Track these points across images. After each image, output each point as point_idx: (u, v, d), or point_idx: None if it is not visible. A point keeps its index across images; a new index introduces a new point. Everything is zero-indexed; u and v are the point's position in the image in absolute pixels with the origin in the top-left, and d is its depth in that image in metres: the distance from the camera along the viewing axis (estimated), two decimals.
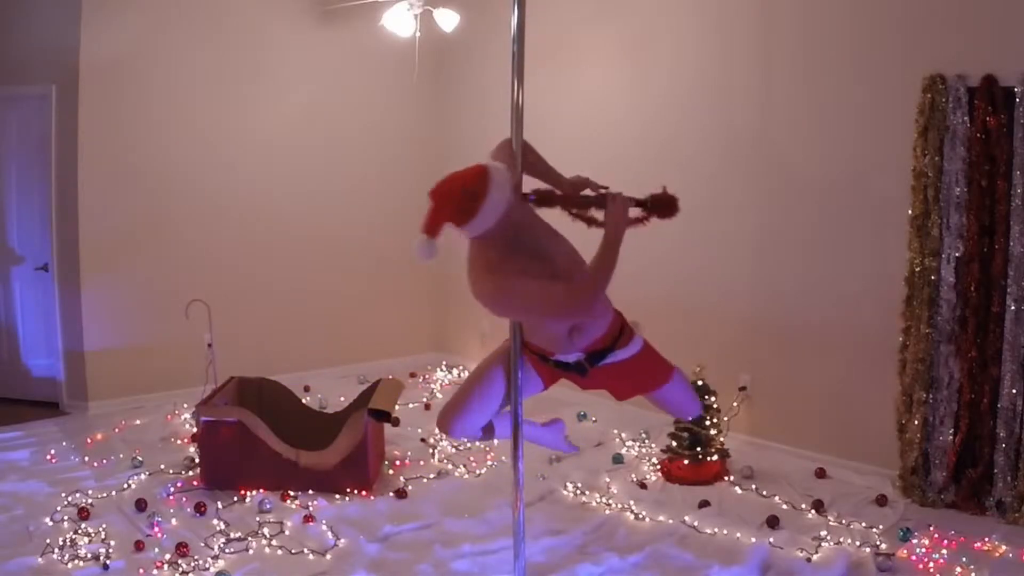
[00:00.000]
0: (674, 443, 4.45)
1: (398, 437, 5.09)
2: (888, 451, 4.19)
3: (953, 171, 3.89)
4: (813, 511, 3.92)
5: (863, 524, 3.76)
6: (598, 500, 4.10)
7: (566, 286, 2.54)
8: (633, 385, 2.94)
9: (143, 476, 4.44)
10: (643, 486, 4.30)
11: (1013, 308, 3.77)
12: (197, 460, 4.47)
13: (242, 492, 4.17)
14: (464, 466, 4.59)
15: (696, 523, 3.79)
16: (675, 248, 5.30)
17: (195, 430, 4.84)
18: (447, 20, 5.89)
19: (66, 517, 3.87)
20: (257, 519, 3.87)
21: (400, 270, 7.07)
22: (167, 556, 3.47)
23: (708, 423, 4.40)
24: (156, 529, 3.73)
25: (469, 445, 4.95)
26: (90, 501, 4.06)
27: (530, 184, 2.75)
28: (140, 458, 4.63)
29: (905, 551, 3.46)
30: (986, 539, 3.54)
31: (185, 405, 5.58)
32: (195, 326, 5.68)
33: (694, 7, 5.14)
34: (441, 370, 6.76)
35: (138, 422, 5.41)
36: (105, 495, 4.17)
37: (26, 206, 5.84)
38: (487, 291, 2.52)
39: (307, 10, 6.42)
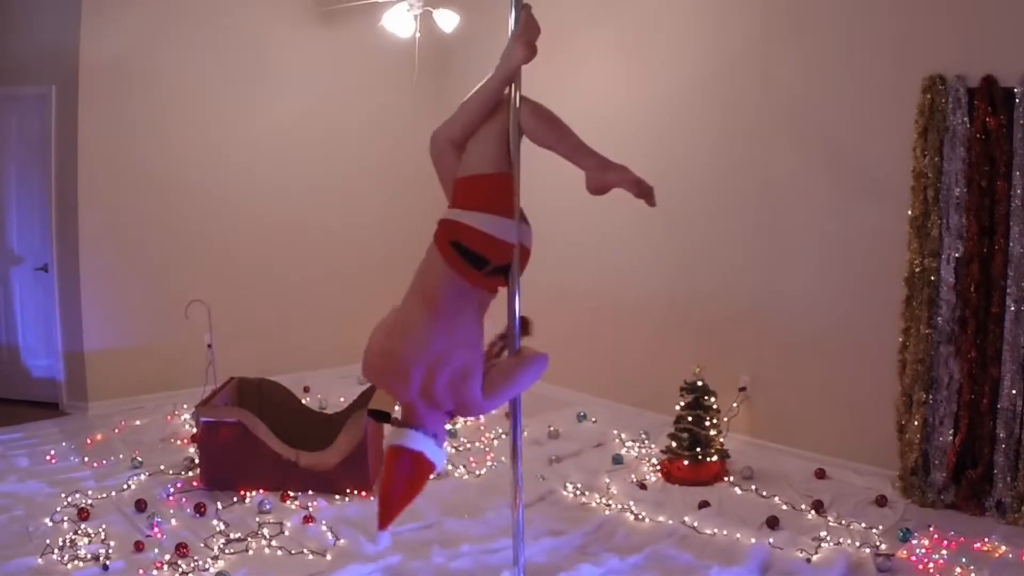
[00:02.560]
0: (674, 444, 4.45)
1: (391, 432, 5.07)
2: (888, 451, 4.19)
3: (953, 172, 3.89)
4: (813, 511, 3.92)
5: (863, 525, 3.76)
6: (598, 501, 4.10)
7: None
8: None
9: (143, 477, 4.44)
10: (643, 487, 4.30)
11: (1013, 308, 3.77)
12: (197, 461, 4.47)
13: (242, 492, 4.17)
14: (464, 467, 4.59)
15: (696, 524, 3.79)
16: (675, 248, 5.30)
17: (195, 431, 4.83)
18: (447, 20, 5.89)
19: (66, 518, 3.87)
20: (257, 519, 3.87)
21: (400, 270, 7.05)
22: (167, 557, 3.46)
23: (708, 423, 4.41)
24: (156, 530, 3.73)
25: (469, 445, 4.95)
26: (90, 502, 4.06)
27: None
28: (140, 459, 4.63)
29: (905, 552, 3.46)
30: (986, 539, 3.54)
31: (185, 405, 5.58)
32: (195, 326, 5.68)
33: (693, 8, 5.14)
34: None
35: (138, 422, 5.41)
36: (105, 496, 4.17)
37: (26, 206, 5.84)
38: None
39: (307, 10, 6.42)
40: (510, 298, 2.82)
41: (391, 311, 2.74)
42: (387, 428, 4.76)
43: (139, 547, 3.54)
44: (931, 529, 3.66)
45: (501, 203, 2.62)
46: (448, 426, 5.23)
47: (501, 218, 2.61)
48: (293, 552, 3.57)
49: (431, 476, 2.80)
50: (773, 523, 3.77)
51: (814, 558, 3.43)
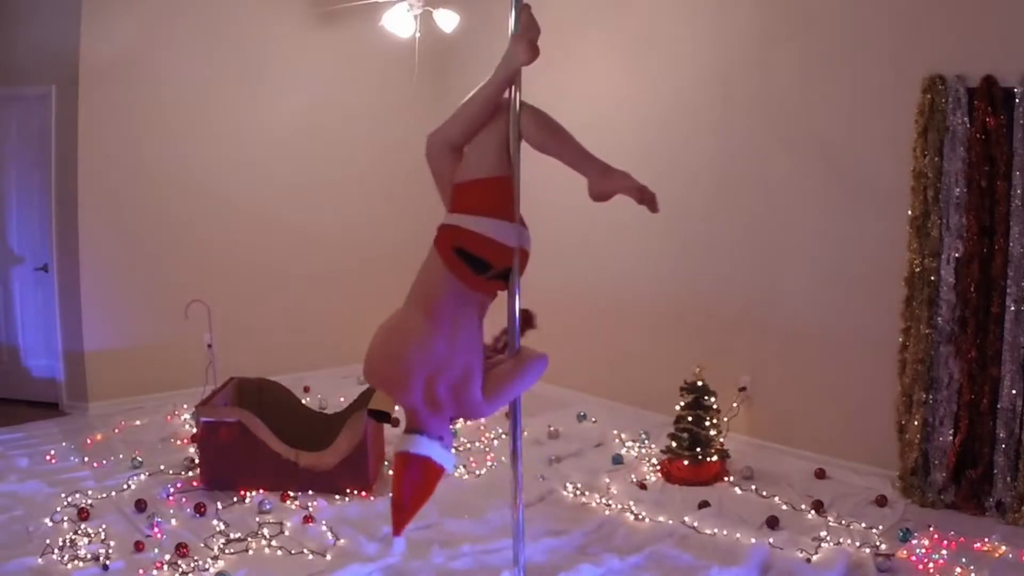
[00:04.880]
0: (674, 444, 4.45)
1: (398, 438, 5.08)
2: (888, 451, 4.19)
3: (953, 172, 3.90)
4: (813, 511, 3.92)
5: (863, 525, 3.76)
6: (598, 501, 4.10)
7: None
8: None
9: (143, 476, 4.44)
10: (643, 487, 4.30)
11: (1013, 309, 3.77)
12: (197, 461, 4.46)
13: (242, 493, 4.17)
14: (464, 467, 4.59)
15: (696, 524, 3.79)
16: (675, 248, 5.30)
17: (195, 431, 4.83)
18: (447, 20, 5.89)
19: (66, 517, 3.87)
20: (257, 519, 3.87)
21: (400, 270, 7.06)
22: (167, 557, 3.46)
23: (708, 423, 4.41)
24: (156, 530, 3.72)
25: (469, 445, 4.95)
26: (90, 502, 4.06)
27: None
28: (140, 458, 4.63)
29: (905, 552, 3.46)
30: (986, 539, 3.54)
31: (185, 406, 5.58)
32: (195, 326, 5.68)
33: (693, 8, 5.14)
34: None
35: (138, 422, 5.41)
36: (105, 495, 4.17)
37: (26, 206, 5.84)
38: None
39: (307, 11, 6.42)
40: (510, 301, 2.82)
41: (394, 314, 2.71)
42: (389, 430, 4.78)
43: (139, 547, 3.54)
44: (931, 529, 3.66)
45: (501, 207, 2.61)
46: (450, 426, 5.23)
47: (502, 222, 2.60)
48: (293, 552, 3.57)
49: (441, 478, 2.80)
50: (773, 523, 3.77)
51: (814, 558, 3.43)
